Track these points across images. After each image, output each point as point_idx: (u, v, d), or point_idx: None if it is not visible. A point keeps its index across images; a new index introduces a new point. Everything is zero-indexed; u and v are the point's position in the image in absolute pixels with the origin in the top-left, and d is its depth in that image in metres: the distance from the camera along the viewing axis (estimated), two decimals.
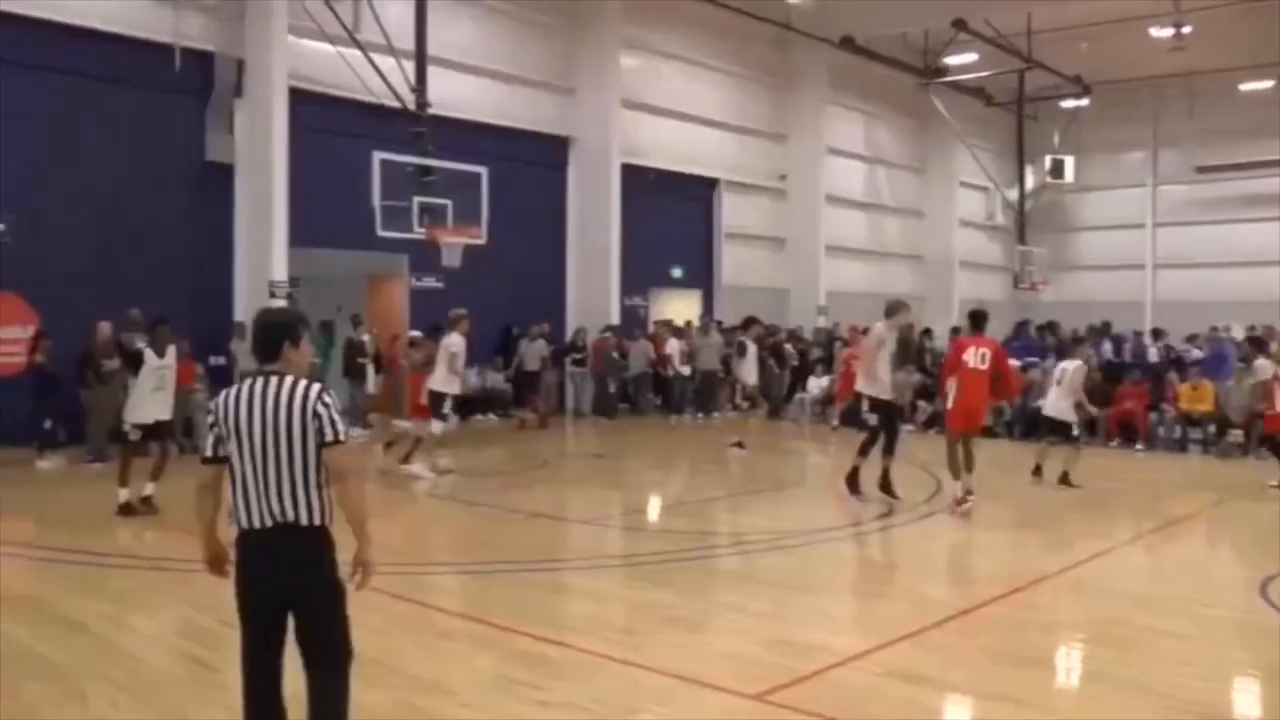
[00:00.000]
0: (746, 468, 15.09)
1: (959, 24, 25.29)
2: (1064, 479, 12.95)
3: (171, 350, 10.97)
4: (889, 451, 11.49)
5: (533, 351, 20.18)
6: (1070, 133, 34.00)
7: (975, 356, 11.16)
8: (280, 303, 16.51)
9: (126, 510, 10.58)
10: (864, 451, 11.42)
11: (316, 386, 4.34)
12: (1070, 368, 13.44)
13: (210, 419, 4.41)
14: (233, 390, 4.38)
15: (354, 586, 4.40)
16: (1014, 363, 19.51)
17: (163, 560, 8.54)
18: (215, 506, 4.44)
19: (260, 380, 4.34)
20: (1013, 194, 33.52)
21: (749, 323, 17.24)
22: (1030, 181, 33.85)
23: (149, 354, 10.72)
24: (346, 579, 4.39)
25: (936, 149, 32.78)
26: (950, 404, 11.61)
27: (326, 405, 4.29)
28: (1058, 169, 33.95)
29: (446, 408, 13.63)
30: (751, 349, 16.72)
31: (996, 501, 11.95)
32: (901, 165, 32.46)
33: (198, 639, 6.71)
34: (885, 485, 11.47)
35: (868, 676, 6.03)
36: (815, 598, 8.20)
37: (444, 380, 13.60)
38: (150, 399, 10.67)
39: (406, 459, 13.70)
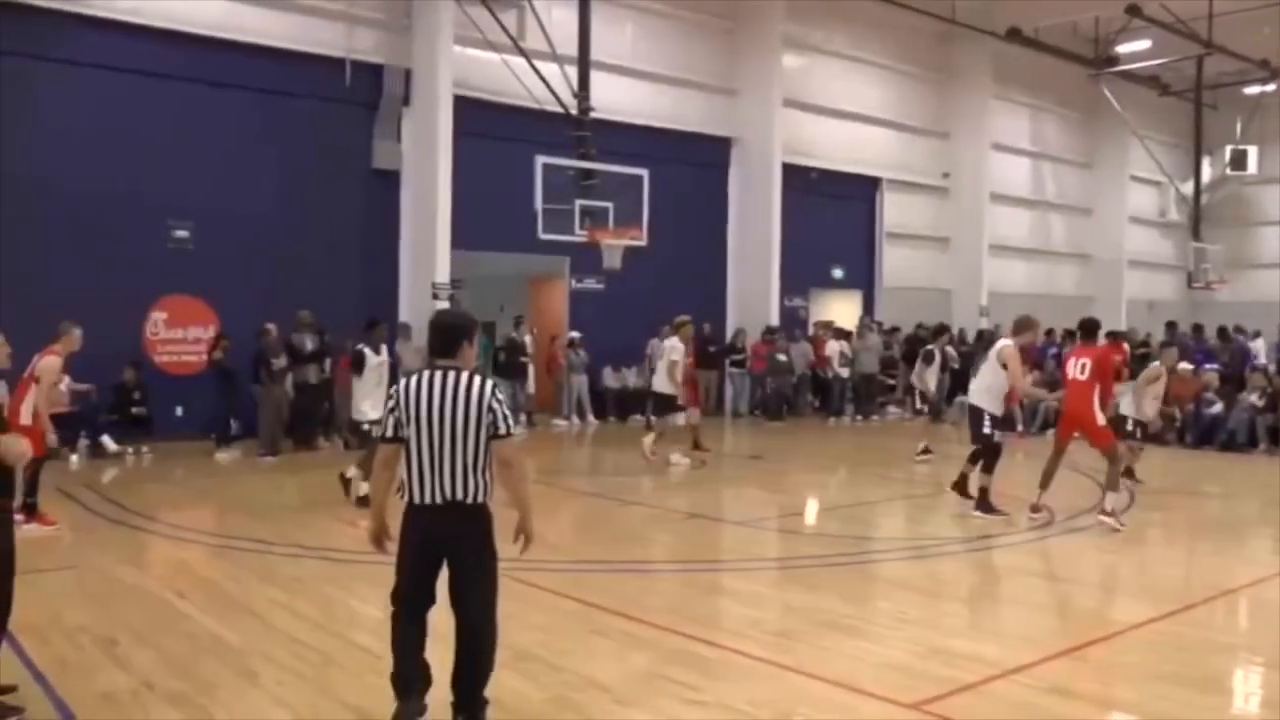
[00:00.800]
0: (906, 472, 14.89)
1: (1133, 10, 24.30)
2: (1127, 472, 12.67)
3: (385, 348, 11.76)
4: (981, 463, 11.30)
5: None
6: (1254, 121, 32.30)
7: (1076, 367, 10.92)
8: (444, 304, 17.08)
9: (364, 502, 10.93)
10: (989, 469, 11.08)
11: (490, 383, 4.90)
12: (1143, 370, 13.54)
13: (391, 403, 4.96)
14: (414, 379, 4.92)
15: (518, 550, 5.06)
16: (1186, 366, 18.85)
17: (329, 550, 8.94)
18: (391, 481, 5.01)
19: (440, 373, 4.88)
20: (1187, 188, 32.07)
21: (940, 330, 16.89)
22: (1207, 174, 32.32)
23: (369, 353, 11.44)
24: (512, 544, 5.06)
25: (1106, 142, 31.67)
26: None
27: (500, 401, 4.93)
28: (1239, 160, 32.27)
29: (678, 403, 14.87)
30: (938, 358, 16.20)
31: (1169, 512, 11.52)
32: (1069, 160, 31.45)
33: (361, 626, 7.00)
34: (960, 486, 11.37)
35: (1028, 691, 5.90)
36: (974, 607, 8.08)
37: (664, 382, 14.54)
38: (376, 393, 11.20)
39: (696, 446, 14.98)
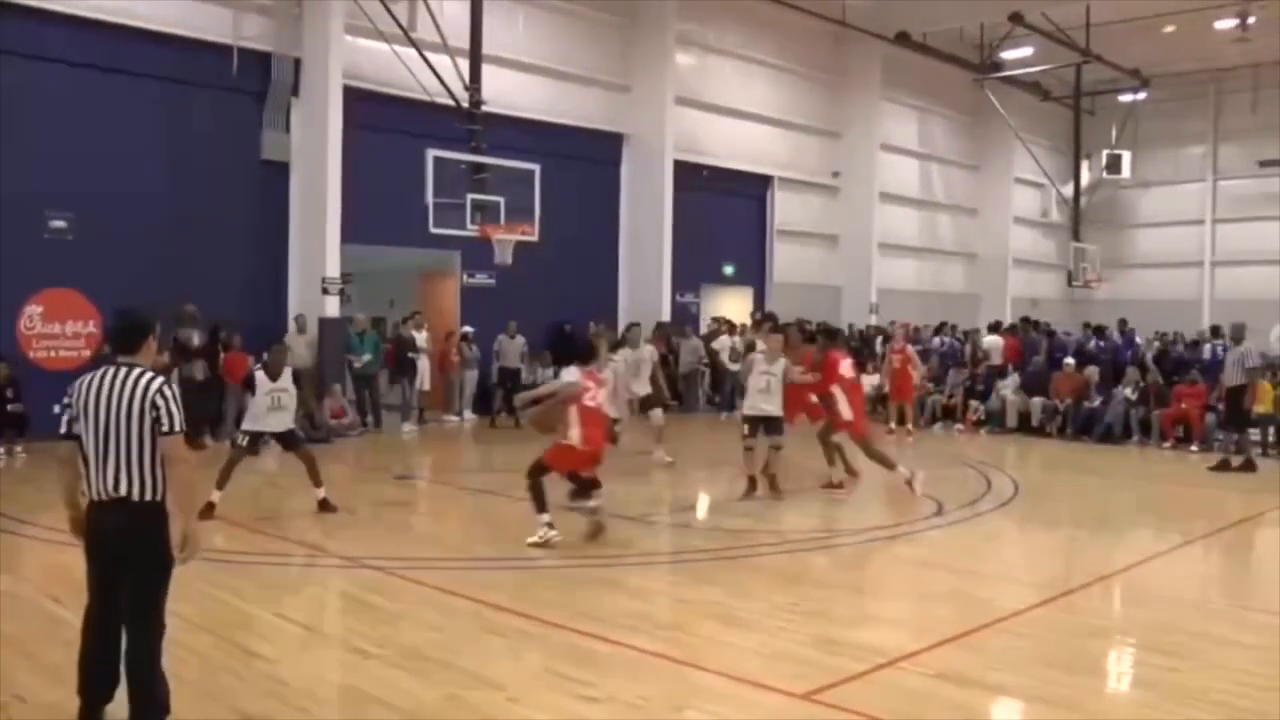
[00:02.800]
0: (796, 466, 14.99)
1: (1016, 18, 24.97)
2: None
3: (288, 372, 10.87)
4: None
5: (511, 348, 19.72)
6: (1128, 127, 33.56)
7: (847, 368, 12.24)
8: (331, 300, 16.86)
9: (207, 512, 9.98)
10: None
11: (159, 379, 4.79)
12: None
13: (66, 400, 4.89)
14: (88, 377, 4.85)
15: (180, 559, 4.87)
16: (1069, 361, 19.45)
17: (208, 551, 8.55)
18: (74, 476, 4.92)
19: (113, 369, 4.85)
20: (1068, 190, 33.13)
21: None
22: (1086, 177, 33.45)
23: (260, 377, 10.73)
24: (176, 553, 4.85)
25: (991, 145, 32.52)
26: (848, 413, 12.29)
27: (165, 398, 4.79)
28: (1114, 164, 33.47)
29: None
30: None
31: (1047, 503, 11.83)
32: (955, 162, 32.22)
33: (244, 628, 6.83)
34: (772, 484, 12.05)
35: (916, 678, 6.02)
36: (863, 598, 8.21)
37: (645, 385, 14.85)
38: (266, 417, 10.68)
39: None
